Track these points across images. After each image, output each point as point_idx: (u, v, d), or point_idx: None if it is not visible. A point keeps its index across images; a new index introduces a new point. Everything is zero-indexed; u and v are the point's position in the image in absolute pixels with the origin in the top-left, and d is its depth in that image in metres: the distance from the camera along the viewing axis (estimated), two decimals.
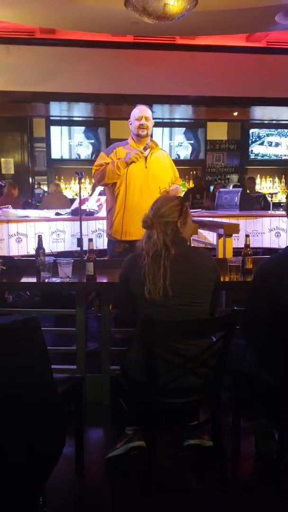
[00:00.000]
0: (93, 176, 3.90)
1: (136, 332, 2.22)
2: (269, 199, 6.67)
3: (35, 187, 10.34)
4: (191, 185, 10.57)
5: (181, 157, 10.88)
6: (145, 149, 3.71)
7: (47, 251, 4.66)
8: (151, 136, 3.92)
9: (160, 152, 3.92)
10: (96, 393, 3.01)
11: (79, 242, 3.86)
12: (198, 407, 2.46)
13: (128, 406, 2.33)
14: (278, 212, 5.51)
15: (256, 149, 11.10)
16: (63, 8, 5.84)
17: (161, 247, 2.13)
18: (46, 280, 2.85)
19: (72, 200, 7.27)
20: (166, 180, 3.78)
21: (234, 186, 9.39)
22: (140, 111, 3.77)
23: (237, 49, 8.03)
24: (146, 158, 3.77)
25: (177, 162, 10.39)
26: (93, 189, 6.60)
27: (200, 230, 4.91)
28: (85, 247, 3.30)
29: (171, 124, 10.78)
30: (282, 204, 8.85)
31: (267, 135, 11.11)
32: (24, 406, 1.63)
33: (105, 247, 4.31)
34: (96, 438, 2.77)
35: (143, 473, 2.17)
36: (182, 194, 9.02)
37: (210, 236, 4.84)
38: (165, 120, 10.42)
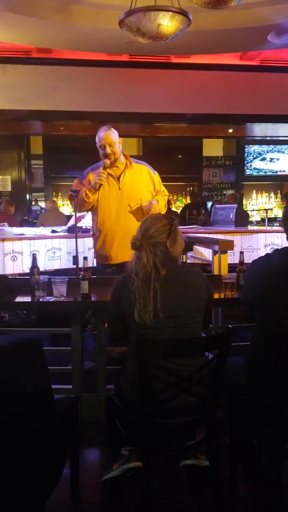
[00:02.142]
0: (70, 202, 3.83)
1: (130, 353, 2.21)
2: (263, 214, 6.69)
3: (32, 203, 10.38)
4: (188, 201, 10.62)
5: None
6: (104, 168, 3.56)
7: (43, 269, 4.67)
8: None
9: (136, 166, 3.74)
10: (92, 413, 2.98)
11: (75, 260, 3.86)
12: (195, 426, 2.43)
13: (123, 426, 2.30)
14: (274, 228, 5.54)
15: (253, 165, 11.18)
16: (59, 28, 5.92)
17: (151, 269, 2.11)
18: (41, 300, 2.83)
19: (69, 217, 7.29)
20: (143, 196, 3.65)
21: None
22: (99, 139, 3.61)
23: (231, 67, 8.14)
24: (119, 179, 3.66)
25: (174, 178, 10.55)
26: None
27: (196, 247, 4.92)
28: (81, 265, 3.30)
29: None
30: (278, 219, 8.90)
31: (263, 152, 11.19)
32: (25, 425, 1.61)
33: None
34: (92, 459, 2.74)
35: (140, 494, 2.14)
36: (172, 208, 9.03)
37: (206, 253, 4.85)
38: None
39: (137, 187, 3.70)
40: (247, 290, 2.25)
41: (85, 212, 4.27)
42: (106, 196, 3.65)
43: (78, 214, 3.88)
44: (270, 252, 2.24)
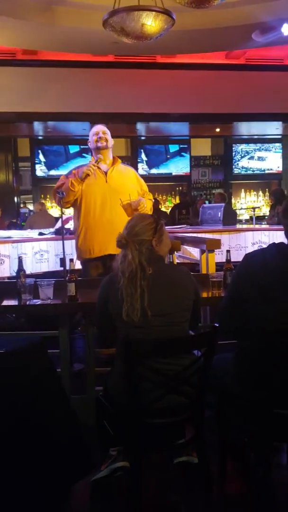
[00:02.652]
0: (54, 199, 3.89)
1: (117, 353, 2.20)
2: (251, 213, 6.71)
3: (21, 206, 10.33)
4: (177, 201, 10.63)
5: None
6: (97, 161, 3.69)
7: (31, 272, 4.65)
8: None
9: (123, 167, 3.92)
10: (82, 415, 2.96)
11: (62, 262, 3.84)
12: (184, 425, 2.43)
13: (112, 427, 2.30)
14: (263, 226, 5.56)
15: (240, 164, 11.22)
16: (43, 30, 5.91)
17: (137, 267, 2.11)
18: (27, 303, 2.82)
19: (58, 219, 7.26)
20: (129, 194, 3.71)
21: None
22: (96, 128, 3.87)
23: (217, 66, 8.17)
24: (106, 173, 3.76)
25: (163, 178, 10.56)
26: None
27: (184, 246, 4.92)
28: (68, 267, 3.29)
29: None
30: (266, 217, 8.93)
31: (251, 151, 11.23)
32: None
33: None
34: None
35: (129, 494, 2.13)
36: (159, 208, 9.04)
37: (194, 252, 4.85)
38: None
39: (124, 182, 3.79)
40: (237, 284, 2.21)
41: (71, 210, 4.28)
42: (92, 188, 3.71)
43: (65, 216, 3.87)
44: (264, 247, 2.22)
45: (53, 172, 10.17)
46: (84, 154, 10.18)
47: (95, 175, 3.72)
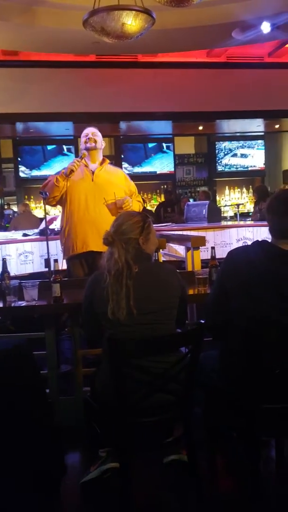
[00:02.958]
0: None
1: (103, 353, 2.20)
2: (236, 210, 6.76)
3: (5, 208, 10.26)
4: (162, 199, 10.65)
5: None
6: (81, 157, 3.76)
7: (16, 273, 4.62)
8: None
9: (113, 167, 3.99)
10: (70, 416, 2.96)
11: (47, 263, 3.83)
12: (172, 423, 2.43)
13: (100, 428, 2.30)
14: (247, 222, 5.60)
15: (224, 162, 11.27)
16: (23, 30, 5.87)
17: (123, 265, 2.11)
18: (12, 304, 2.80)
19: (42, 220, 7.23)
20: (117, 191, 3.76)
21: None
22: (87, 130, 3.93)
23: (198, 64, 8.20)
24: (93, 172, 3.81)
25: (148, 176, 10.57)
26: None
27: (170, 244, 4.94)
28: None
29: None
30: (250, 214, 8.98)
31: (234, 148, 11.29)
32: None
33: None
34: (71, 462, 2.71)
35: (120, 494, 2.13)
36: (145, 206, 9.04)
37: (180, 249, 4.87)
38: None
39: (111, 181, 3.82)
40: (221, 280, 2.23)
41: (56, 211, 4.32)
42: (77, 186, 3.75)
43: (49, 217, 3.87)
44: (248, 244, 2.23)
45: (36, 173, 10.14)
46: (65, 152, 10.17)
47: (82, 173, 3.77)
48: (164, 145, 10.80)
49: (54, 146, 10.20)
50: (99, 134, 3.92)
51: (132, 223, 2.19)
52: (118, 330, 2.08)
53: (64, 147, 10.23)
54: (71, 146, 10.25)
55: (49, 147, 10.21)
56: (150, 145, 10.76)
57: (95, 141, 3.84)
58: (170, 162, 10.84)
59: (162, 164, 10.81)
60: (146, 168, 10.63)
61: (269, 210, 2.14)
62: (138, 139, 10.63)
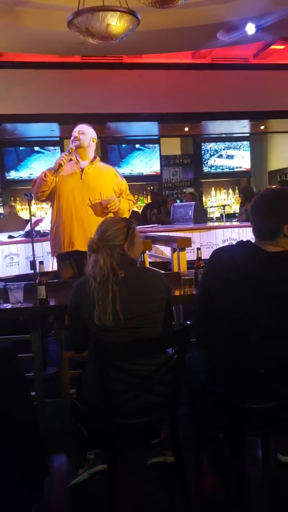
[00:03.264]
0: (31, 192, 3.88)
1: (89, 356, 2.19)
2: (221, 210, 6.79)
3: None
4: (149, 200, 10.66)
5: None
6: (69, 152, 3.69)
7: (1, 276, 4.59)
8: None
9: (104, 165, 3.90)
10: (57, 418, 2.94)
11: (32, 264, 3.80)
12: (159, 424, 2.43)
13: (87, 430, 2.29)
14: (234, 223, 5.63)
15: (210, 163, 11.32)
16: (7, 31, 5.84)
17: (108, 272, 2.09)
18: None
19: (28, 221, 7.19)
20: (105, 191, 3.72)
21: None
22: (76, 128, 3.84)
23: (183, 66, 8.22)
24: (82, 170, 3.76)
25: (134, 178, 10.56)
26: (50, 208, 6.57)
27: (156, 245, 4.94)
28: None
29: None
30: (236, 215, 9.03)
31: (220, 149, 11.34)
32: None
33: None
34: (58, 465, 2.70)
35: (106, 496, 2.12)
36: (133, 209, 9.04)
37: (166, 251, 4.88)
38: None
39: (99, 180, 3.77)
40: (206, 281, 2.23)
41: (42, 212, 4.28)
42: (66, 184, 3.70)
43: (34, 219, 3.84)
44: (233, 244, 2.22)
45: (21, 174, 10.10)
46: (39, 150, 10.19)
47: (72, 170, 3.73)
48: (137, 145, 10.81)
49: (39, 147, 10.19)
50: (88, 131, 3.83)
51: (116, 229, 2.17)
52: (105, 335, 2.07)
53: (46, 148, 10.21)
54: (51, 147, 10.25)
55: (36, 148, 10.20)
56: (124, 145, 10.77)
57: (79, 139, 3.76)
58: (149, 159, 10.81)
59: (142, 162, 10.81)
60: (127, 169, 10.61)
61: (252, 210, 2.12)
62: (121, 140, 10.65)
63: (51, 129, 9.36)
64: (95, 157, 3.86)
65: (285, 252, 2.03)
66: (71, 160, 3.75)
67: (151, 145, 10.86)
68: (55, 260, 3.90)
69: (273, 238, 2.02)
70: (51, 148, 10.25)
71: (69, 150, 3.71)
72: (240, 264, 2.04)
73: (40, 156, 10.23)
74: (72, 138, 3.80)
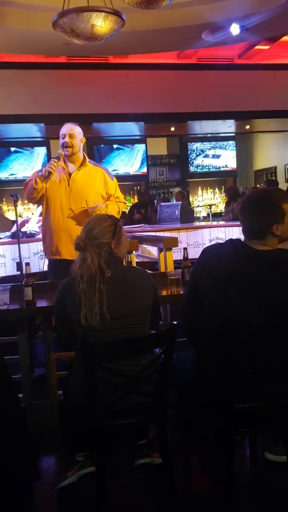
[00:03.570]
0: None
1: (76, 357, 2.19)
2: (208, 210, 6.82)
3: None
4: (136, 200, 10.67)
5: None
6: (57, 158, 3.60)
7: None
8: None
9: (93, 167, 3.76)
10: (45, 420, 2.93)
11: (19, 266, 3.79)
12: (147, 425, 2.44)
13: (75, 431, 2.28)
14: (220, 223, 5.66)
15: (196, 162, 11.35)
16: None
17: (96, 270, 2.08)
18: None
19: (14, 222, 7.14)
20: (91, 198, 3.65)
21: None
22: (64, 129, 3.66)
23: (169, 66, 8.23)
24: (70, 175, 3.66)
25: (121, 178, 10.53)
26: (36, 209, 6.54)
27: (143, 245, 4.95)
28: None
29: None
30: (223, 214, 9.07)
31: (206, 149, 11.38)
32: None
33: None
34: (46, 467, 2.69)
35: (95, 499, 2.12)
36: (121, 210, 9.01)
37: (153, 251, 4.88)
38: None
39: (87, 187, 3.68)
40: (195, 280, 2.24)
41: (34, 212, 4.23)
42: (55, 190, 3.64)
43: (20, 219, 3.82)
44: (223, 242, 2.25)
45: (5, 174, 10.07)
46: (16, 149, 10.14)
47: (60, 175, 3.65)
48: (114, 145, 10.80)
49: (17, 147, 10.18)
50: (77, 132, 3.68)
51: (103, 227, 2.16)
52: (91, 335, 2.07)
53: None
54: (44, 147, 10.21)
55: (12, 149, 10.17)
56: (102, 145, 10.76)
57: (72, 145, 3.61)
58: (130, 159, 10.79)
59: (123, 162, 10.79)
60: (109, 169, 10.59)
61: (241, 210, 2.16)
62: (100, 141, 10.63)
63: (37, 130, 9.33)
64: (84, 160, 3.73)
65: (273, 251, 2.06)
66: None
67: (130, 145, 10.82)
68: (46, 261, 3.89)
69: (262, 238, 2.06)
70: (29, 148, 10.20)
71: (58, 155, 3.61)
72: (229, 262, 2.05)
73: (19, 156, 10.16)
74: (61, 142, 3.64)
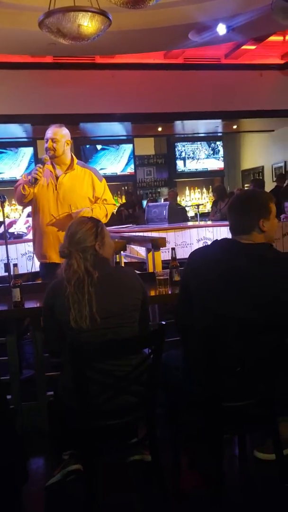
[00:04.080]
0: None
1: (65, 358, 2.18)
2: (196, 210, 6.84)
3: None
4: (123, 200, 10.66)
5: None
6: (43, 164, 3.57)
7: None
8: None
9: (80, 169, 3.71)
10: (34, 421, 2.92)
11: (6, 267, 3.77)
12: (136, 424, 2.44)
13: (64, 432, 2.28)
14: (208, 223, 5.68)
15: (183, 163, 11.35)
16: None
17: (83, 274, 2.08)
18: None
19: (1, 224, 7.10)
20: (78, 201, 3.62)
21: (165, 200, 9.59)
22: (48, 133, 3.63)
23: (156, 66, 8.24)
24: (57, 179, 3.63)
25: (108, 178, 10.50)
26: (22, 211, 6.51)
27: (131, 245, 4.95)
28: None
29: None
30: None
31: (194, 149, 11.40)
32: None
33: (37, 269, 4.21)
34: (36, 468, 2.68)
35: (84, 497, 2.12)
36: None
37: (141, 251, 4.88)
38: None
39: (74, 190, 3.64)
40: (185, 280, 2.28)
41: (29, 209, 4.16)
42: (43, 194, 3.62)
43: (8, 220, 3.81)
44: (209, 244, 2.32)
45: None
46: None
47: (48, 180, 3.62)
48: (98, 145, 10.79)
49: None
50: (62, 134, 3.62)
51: (85, 231, 2.16)
52: (81, 336, 2.06)
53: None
54: (31, 147, 10.16)
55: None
56: (88, 146, 10.74)
57: (54, 149, 3.57)
58: (118, 158, 10.78)
59: (110, 161, 10.77)
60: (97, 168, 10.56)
61: (229, 209, 2.25)
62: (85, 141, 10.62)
63: (24, 130, 9.29)
64: (71, 163, 3.68)
65: (260, 244, 2.14)
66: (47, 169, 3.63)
67: (115, 145, 10.80)
68: (36, 263, 3.88)
69: (249, 233, 2.14)
70: (13, 148, 10.14)
71: (44, 160, 3.57)
72: (218, 259, 2.11)
73: (3, 156, 10.09)
74: (45, 146, 3.62)
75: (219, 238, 2.26)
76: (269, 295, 2.05)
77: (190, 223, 6.80)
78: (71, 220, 3.38)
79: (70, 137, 3.71)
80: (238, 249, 2.10)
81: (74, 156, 3.75)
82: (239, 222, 2.17)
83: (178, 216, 6.26)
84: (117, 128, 9.90)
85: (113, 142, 10.77)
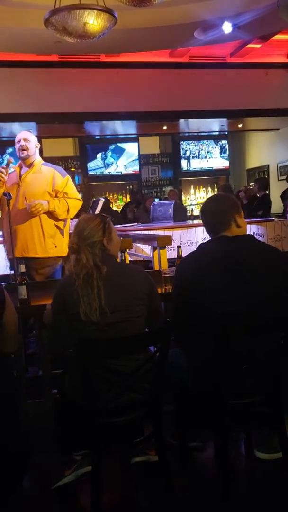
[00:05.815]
0: None
1: (72, 355, 2.18)
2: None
3: None
4: (128, 199, 10.65)
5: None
6: (7, 164, 3.76)
7: None
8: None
9: (44, 168, 3.91)
10: (40, 419, 2.91)
11: (12, 264, 3.77)
12: (142, 422, 2.43)
13: (71, 430, 2.28)
14: None
15: (188, 162, 11.31)
16: None
17: (92, 268, 2.12)
18: None
19: None
20: (39, 197, 3.76)
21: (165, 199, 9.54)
22: (19, 135, 3.92)
23: (161, 64, 8.22)
24: (21, 177, 3.85)
25: (113, 177, 10.52)
26: None
27: (137, 244, 4.94)
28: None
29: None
30: None
31: (199, 147, 11.37)
32: None
33: None
34: (41, 467, 2.67)
35: (91, 498, 2.12)
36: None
37: (147, 249, 4.88)
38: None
39: (34, 185, 3.83)
40: (178, 284, 2.32)
41: None
42: (10, 191, 3.76)
43: None
44: (198, 246, 2.39)
45: None
46: None
47: (14, 178, 3.84)
48: (103, 145, 10.71)
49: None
50: (32, 137, 3.91)
51: (93, 226, 2.20)
52: (91, 329, 2.07)
53: None
54: None
55: None
56: (92, 144, 10.69)
57: (27, 148, 3.83)
58: (121, 156, 10.76)
59: (114, 159, 10.74)
60: (103, 168, 10.57)
61: (203, 213, 2.37)
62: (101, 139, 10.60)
63: (29, 129, 9.28)
64: (37, 163, 3.91)
65: (243, 235, 2.29)
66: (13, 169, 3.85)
67: (119, 144, 10.77)
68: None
69: (227, 228, 2.24)
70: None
71: (8, 162, 3.77)
72: (211, 257, 2.19)
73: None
74: (17, 147, 3.86)
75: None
76: (273, 283, 2.11)
77: (195, 222, 6.80)
78: (27, 213, 3.64)
79: (38, 142, 3.97)
80: (229, 241, 2.20)
81: (41, 159, 3.99)
82: (215, 222, 2.28)
83: (182, 215, 6.27)
84: (122, 127, 9.88)
85: (118, 140, 10.75)
